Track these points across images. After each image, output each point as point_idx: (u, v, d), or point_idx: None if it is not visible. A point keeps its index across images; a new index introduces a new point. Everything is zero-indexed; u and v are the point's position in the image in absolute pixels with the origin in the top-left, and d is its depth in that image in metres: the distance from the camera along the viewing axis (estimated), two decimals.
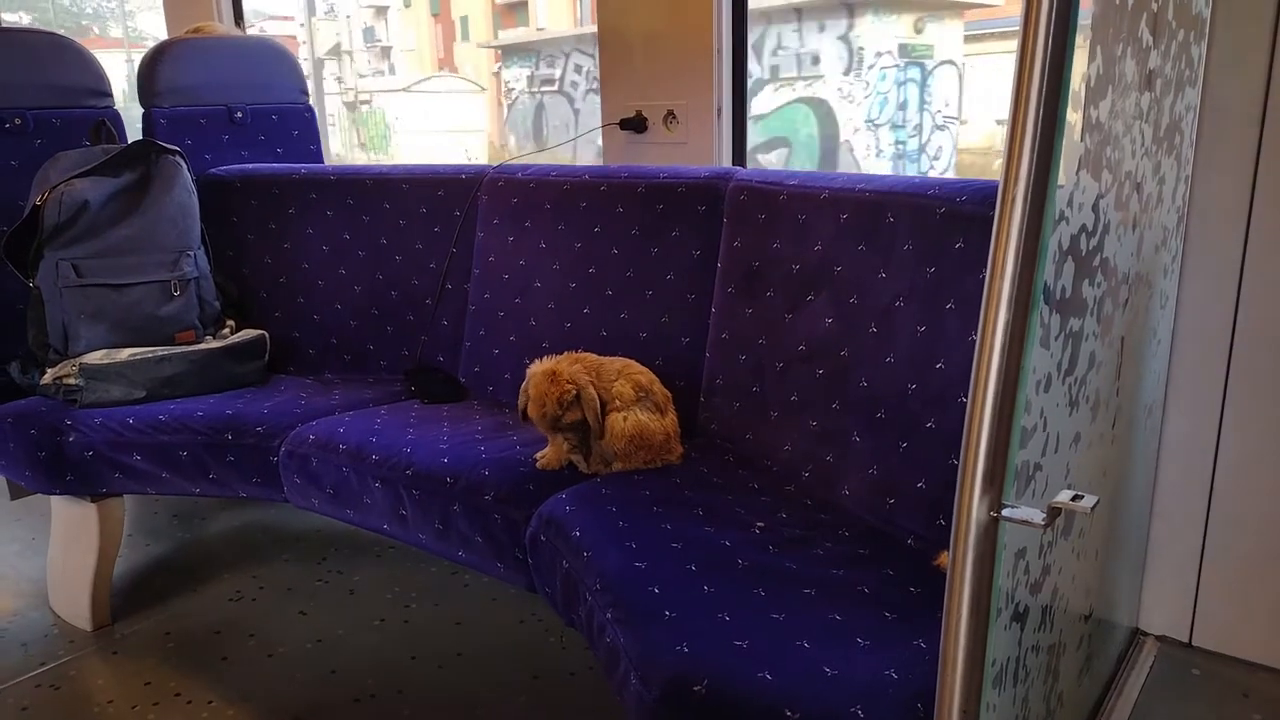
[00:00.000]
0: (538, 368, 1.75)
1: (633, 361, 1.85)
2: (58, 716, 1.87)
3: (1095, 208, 1.11)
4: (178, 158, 2.35)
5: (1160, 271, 1.56)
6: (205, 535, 2.67)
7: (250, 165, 2.71)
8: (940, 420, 1.58)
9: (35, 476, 2.06)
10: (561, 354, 1.81)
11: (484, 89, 14.55)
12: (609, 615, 1.34)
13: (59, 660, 2.06)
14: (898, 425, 1.64)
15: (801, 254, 1.87)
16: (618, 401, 1.76)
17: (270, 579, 2.39)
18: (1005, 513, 0.91)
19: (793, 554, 1.48)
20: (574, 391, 1.71)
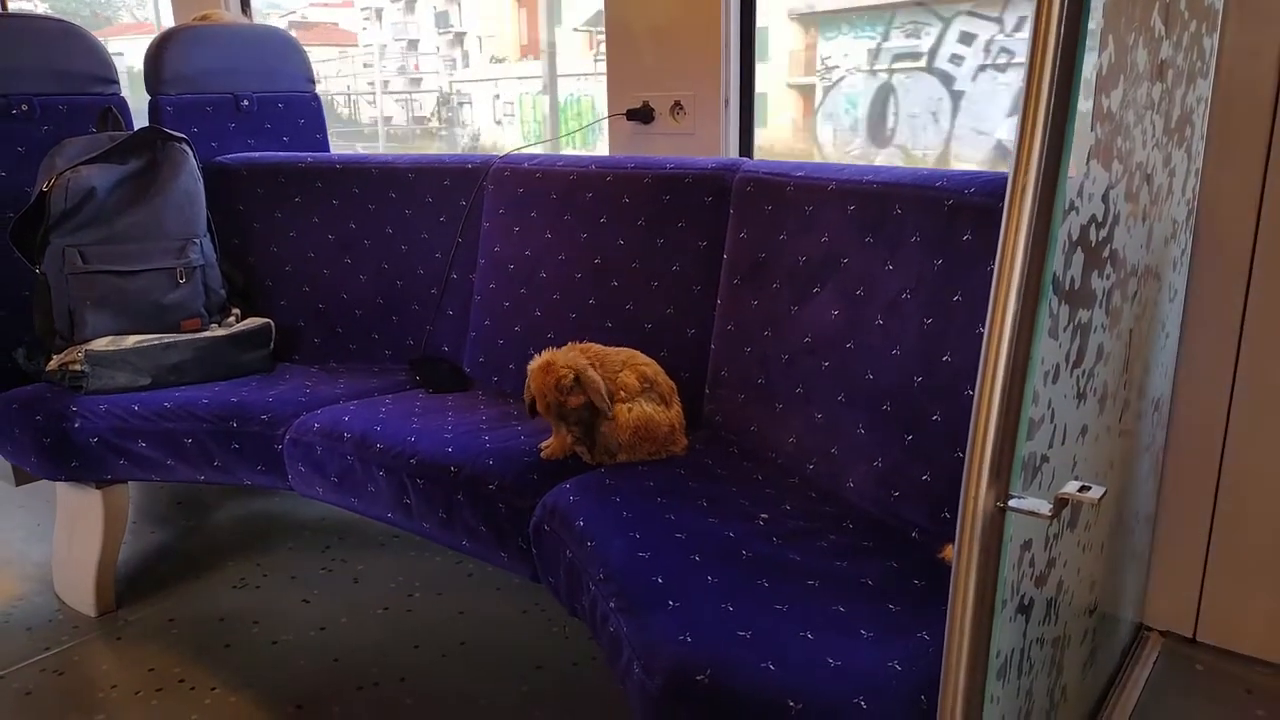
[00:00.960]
0: (535, 363, 1.74)
1: (637, 352, 1.85)
2: (61, 701, 1.88)
3: (1105, 198, 1.10)
4: (184, 145, 2.35)
5: (1169, 264, 1.55)
6: (209, 523, 2.67)
7: (256, 153, 2.71)
8: (946, 413, 1.57)
9: (41, 462, 2.07)
10: (564, 344, 1.80)
11: None
12: (612, 605, 1.34)
13: (63, 645, 2.07)
14: (903, 418, 1.64)
15: (808, 246, 1.86)
16: (623, 393, 1.76)
17: (274, 567, 2.39)
18: (1012, 503, 0.91)
19: (797, 545, 1.48)
20: (571, 375, 1.70)
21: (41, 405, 2.07)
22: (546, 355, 1.74)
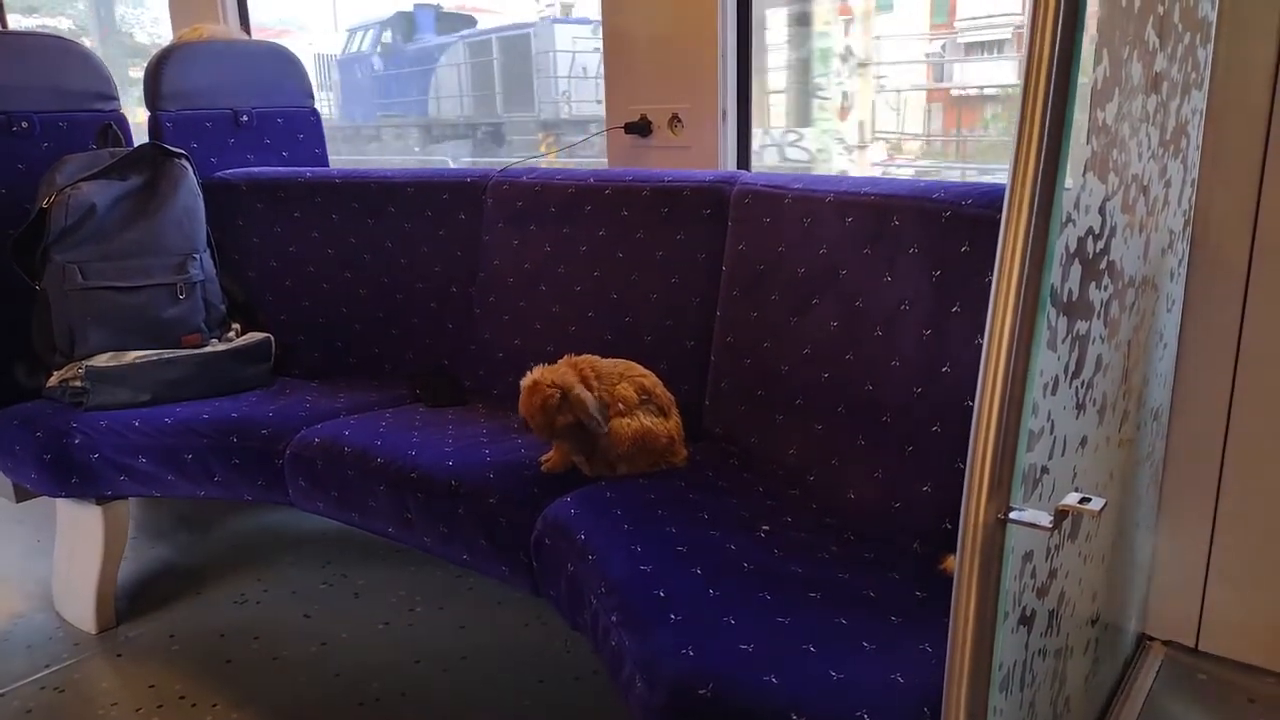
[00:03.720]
0: (525, 381, 1.72)
1: (635, 364, 1.85)
2: (62, 719, 1.87)
3: (1102, 210, 1.10)
4: (184, 161, 2.35)
5: (1166, 275, 1.56)
6: (210, 538, 2.67)
7: (256, 169, 2.72)
8: (946, 424, 1.58)
9: (41, 479, 2.06)
10: (561, 358, 1.80)
11: None
12: (614, 618, 1.34)
13: (63, 663, 2.06)
14: (903, 429, 1.64)
15: (806, 258, 1.87)
16: (621, 405, 1.76)
17: (274, 582, 2.39)
18: (1012, 515, 0.91)
19: (798, 557, 1.48)
20: (557, 394, 1.69)
21: (42, 422, 2.07)
22: (535, 374, 1.71)
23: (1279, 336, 1.69)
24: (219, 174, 2.64)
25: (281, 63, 2.87)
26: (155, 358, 2.19)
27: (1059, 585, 1.21)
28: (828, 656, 1.20)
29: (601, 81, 2.52)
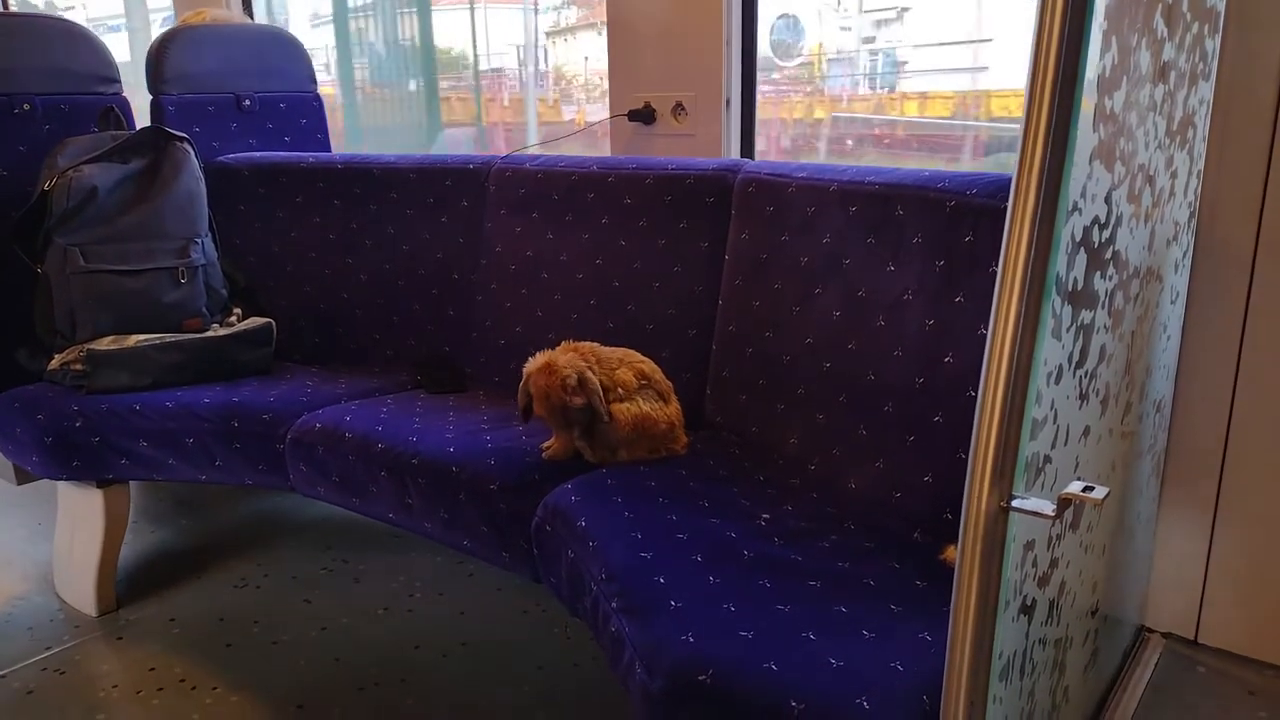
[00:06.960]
0: (532, 365, 1.73)
1: (632, 351, 1.84)
2: (62, 701, 1.88)
3: (1108, 199, 1.10)
4: (186, 145, 2.35)
5: (1171, 266, 1.55)
6: (210, 522, 2.67)
7: (258, 153, 2.71)
8: (948, 414, 1.58)
9: (42, 461, 2.07)
10: (560, 345, 1.80)
11: None
12: (614, 605, 1.34)
13: (64, 645, 2.07)
14: (905, 419, 1.64)
15: (810, 247, 1.86)
16: (620, 390, 1.76)
17: (275, 567, 2.39)
18: (1015, 503, 0.91)
19: (798, 546, 1.48)
20: (575, 376, 1.69)
21: (43, 405, 2.07)
22: (544, 357, 1.72)
23: None
24: (221, 158, 2.64)
25: (285, 48, 2.86)
26: (157, 342, 2.18)
27: (1060, 575, 1.21)
28: (827, 644, 1.20)
29: None
